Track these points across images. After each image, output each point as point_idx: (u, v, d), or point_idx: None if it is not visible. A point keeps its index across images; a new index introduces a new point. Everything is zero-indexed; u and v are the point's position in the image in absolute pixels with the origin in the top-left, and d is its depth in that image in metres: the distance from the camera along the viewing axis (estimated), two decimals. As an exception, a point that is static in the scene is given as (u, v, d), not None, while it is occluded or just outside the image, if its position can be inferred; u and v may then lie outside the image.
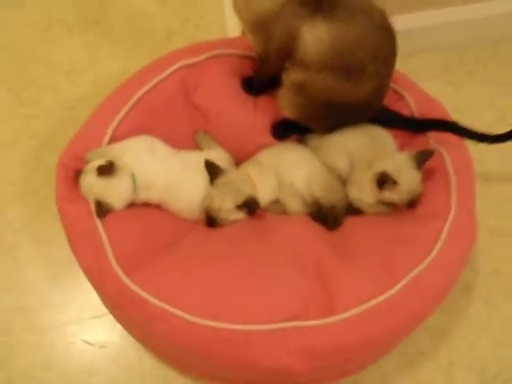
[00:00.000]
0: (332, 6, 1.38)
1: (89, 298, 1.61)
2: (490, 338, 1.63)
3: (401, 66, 1.57)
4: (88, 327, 1.61)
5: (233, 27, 1.88)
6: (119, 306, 1.32)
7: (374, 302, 1.28)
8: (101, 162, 1.41)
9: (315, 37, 1.38)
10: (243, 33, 1.71)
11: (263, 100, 1.63)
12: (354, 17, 1.40)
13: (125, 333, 1.57)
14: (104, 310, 1.57)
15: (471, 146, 1.57)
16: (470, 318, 1.65)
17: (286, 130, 1.64)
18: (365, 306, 1.28)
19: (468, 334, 1.63)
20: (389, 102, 1.60)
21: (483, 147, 1.65)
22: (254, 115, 1.62)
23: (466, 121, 1.57)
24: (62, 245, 1.60)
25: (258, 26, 1.41)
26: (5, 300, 1.63)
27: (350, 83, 1.44)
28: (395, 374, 1.57)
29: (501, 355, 1.62)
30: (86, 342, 1.58)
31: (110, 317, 1.57)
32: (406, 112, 1.62)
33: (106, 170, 1.39)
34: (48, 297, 1.64)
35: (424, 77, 1.90)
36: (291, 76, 1.47)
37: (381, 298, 1.28)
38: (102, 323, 1.61)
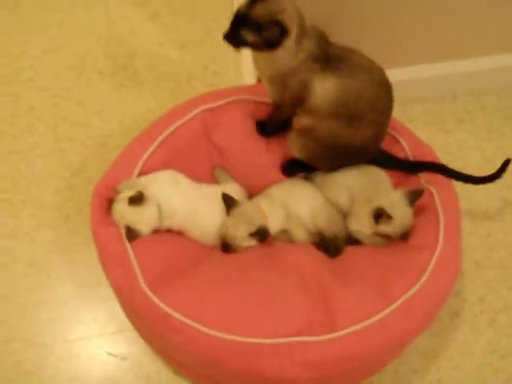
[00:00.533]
0: (338, 62, 1.48)
1: (113, 314, 1.72)
2: (475, 359, 1.73)
3: (398, 113, 1.66)
4: (112, 341, 1.70)
5: (248, 75, 1.96)
6: (144, 318, 1.40)
7: (369, 321, 1.37)
8: (131, 192, 1.50)
9: (324, 88, 1.48)
10: (258, 80, 1.83)
11: (274, 141, 1.71)
12: (356, 72, 1.50)
13: (145, 346, 1.67)
14: (126, 325, 1.67)
15: (458, 185, 1.63)
16: (457, 341, 1.74)
17: (293, 169, 1.72)
18: (361, 325, 1.36)
19: (455, 355, 1.73)
20: (386, 145, 1.68)
21: (470, 187, 1.72)
22: (266, 154, 1.71)
23: (456, 163, 1.67)
24: (90, 266, 1.77)
25: (277, 79, 1.50)
26: (40, 314, 1.71)
27: (351, 129, 1.53)
28: (389, 390, 1.64)
29: (484, 376, 1.70)
30: (109, 353, 1.68)
31: (132, 332, 1.68)
32: (401, 155, 1.70)
33: (137, 199, 1.48)
34: (77, 312, 1.73)
35: (419, 124, 2.08)
36: (301, 121, 1.56)
37: (375, 318, 1.37)
38: (125, 337, 1.71)
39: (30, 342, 1.69)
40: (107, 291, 1.68)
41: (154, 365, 1.66)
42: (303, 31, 1.43)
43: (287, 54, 1.44)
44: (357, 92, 1.50)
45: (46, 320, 1.71)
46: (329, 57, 1.48)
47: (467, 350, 1.75)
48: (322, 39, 1.47)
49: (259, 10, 1.38)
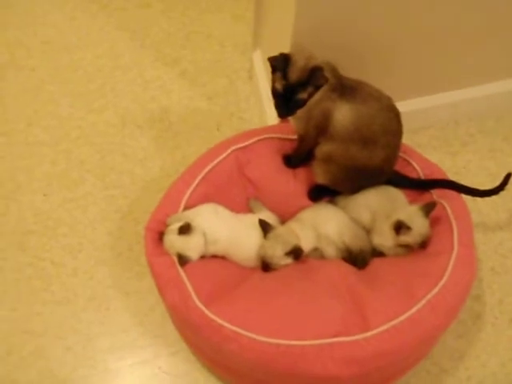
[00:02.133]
0: (351, 91, 1.61)
1: (167, 337, 1.83)
2: (499, 356, 1.82)
3: (407, 141, 1.79)
4: (168, 361, 1.80)
5: (271, 117, 2.05)
6: (200, 332, 1.51)
7: (398, 320, 1.48)
8: (180, 224, 1.61)
9: (342, 115, 1.60)
10: (281, 120, 1.93)
11: (300, 172, 1.83)
12: (367, 100, 1.62)
13: (198, 364, 1.78)
14: (181, 345, 1.79)
15: (469, 200, 1.74)
16: (481, 341, 1.85)
17: (319, 194, 1.83)
18: (392, 323, 1.48)
19: (481, 354, 1.83)
20: (399, 167, 1.80)
21: (479, 201, 1.89)
22: (294, 184, 1.83)
23: (464, 181, 1.76)
24: (142, 297, 1.89)
25: (304, 113, 1.62)
26: (102, 343, 1.83)
27: (367, 152, 1.65)
28: (423, 390, 1.75)
29: (508, 370, 1.79)
30: (165, 372, 1.78)
31: (186, 351, 1.79)
32: (413, 175, 1.82)
33: (185, 229, 1.60)
34: (135, 338, 1.83)
35: (428, 149, 2.17)
36: (322, 149, 1.69)
37: (404, 317, 1.49)
38: (180, 357, 1.80)
39: (96, 368, 1.79)
40: (161, 317, 1.85)
41: (208, 379, 1.77)
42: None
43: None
44: (369, 117, 1.62)
45: (108, 348, 1.83)
46: (343, 86, 1.62)
47: (491, 349, 1.84)
48: (336, 71, 1.62)
49: (294, 73, 1.56)
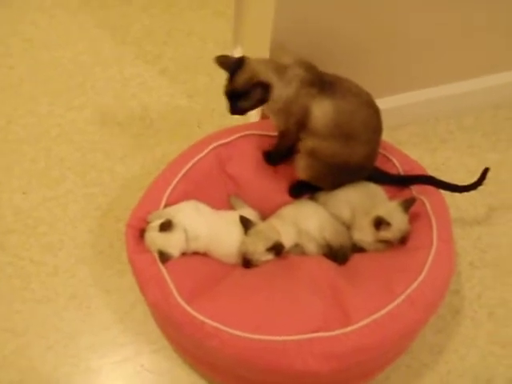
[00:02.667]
0: (331, 87, 1.62)
1: (149, 334, 1.83)
2: (479, 350, 1.84)
3: (387, 137, 1.80)
4: (150, 358, 1.79)
5: (252, 114, 2.05)
6: (182, 328, 1.51)
7: (378, 314, 1.50)
8: (161, 221, 1.62)
9: (321, 111, 1.61)
10: (263, 116, 1.97)
11: (281, 168, 1.84)
12: (347, 96, 1.64)
13: (178, 362, 1.78)
14: (162, 343, 1.79)
15: (447, 196, 1.76)
16: (460, 335, 1.87)
17: (299, 191, 1.85)
18: (372, 318, 1.49)
19: (460, 348, 1.85)
20: (379, 163, 1.82)
21: (458, 197, 1.88)
22: (274, 180, 1.85)
23: (443, 177, 1.77)
24: (123, 294, 1.88)
25: (282, 110, 1.64)
26: (84, 341, 1.82)
27: (348, 148, 1.66)
28: (404, 384, 1.76)
29: (488, 364, 1.81)
30: (147, 370, 1.78)
31: (168, 349, 1.79)
32: (393, 171, 1.83)
33: (166, 226, 1.61)
34: (116, 336, 1.83)
35: (408, 146, 2.19)
36: (306, 144, 1.69)
37: (384, 311, 1.50)
38: (162, 355, 1.80)
39: (78, 366, 1.79)
40: (142, 314, 1.85)
41: (190, 376, 1.77)
42: (282, 67, 1.60)
43: (280, 92, 1.61)
44: (349, 113, 1.64)
45: (90, 346, 1.82)
46: (323, 82, 1.63)
47: (471, 343, 1.86)
48: (312, 68, 1.63)
49: (239, 81, 1.59)
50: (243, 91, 1.59)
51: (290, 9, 1.68)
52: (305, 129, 1.68)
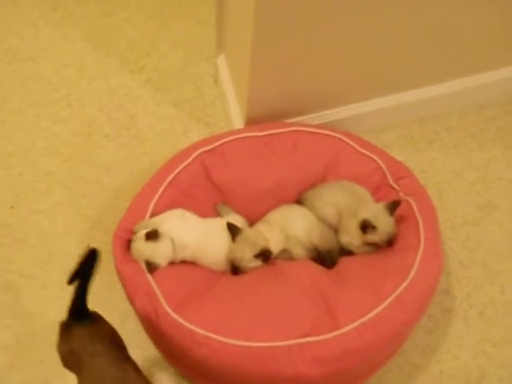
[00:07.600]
0: None
1: (139, 343, 1.81)
2: (470, 349, 1.85)
3: (374, 140, 1.81)
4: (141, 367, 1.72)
5: (237, 121, 2.08)
6: (171, 339, 1.51)
7: (367, 317, 1.50)
8: (147, 230, 1.61)
9: None
10: (246, 123, 1.98)
11: (266, 171, 1.84)
12: None
13: (171, 370, 1.77)
14: (152, 351, 1.77)
15: (436, 198, 1.77)
16: (452, 335, 1.88)
17: None
18: (361, 321, 1.50)
19: (452, 347, 1.86)
20: (365, 165, 1.84)
21: (447, 198, 1.92)
22: (260, 184, 1.85)
23: (430, 178, 1.81)
24: (114, 305, 1.86)
25: None
26: None
27: None
28: (396, 386, 1.77)
29: (480, 362, 1.82)
30: None
31: (158, 357, 1.78)
32: (378, 173, 1.84)
33: (152, 235, 1.61)
34: None
35: (394, 147, 2.20)
36: None
37: (372, 314, 1.51)
38: (152, 364, 1.79)
39: (68, 381, 1.69)
40: (133, 324, 1.84)
41: None
42: None
43: None
44: None
45: None
46: None
47: (462, 342, 1.87)
48: None
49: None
50: None
51: (269, 16, 1.66)
52: None
